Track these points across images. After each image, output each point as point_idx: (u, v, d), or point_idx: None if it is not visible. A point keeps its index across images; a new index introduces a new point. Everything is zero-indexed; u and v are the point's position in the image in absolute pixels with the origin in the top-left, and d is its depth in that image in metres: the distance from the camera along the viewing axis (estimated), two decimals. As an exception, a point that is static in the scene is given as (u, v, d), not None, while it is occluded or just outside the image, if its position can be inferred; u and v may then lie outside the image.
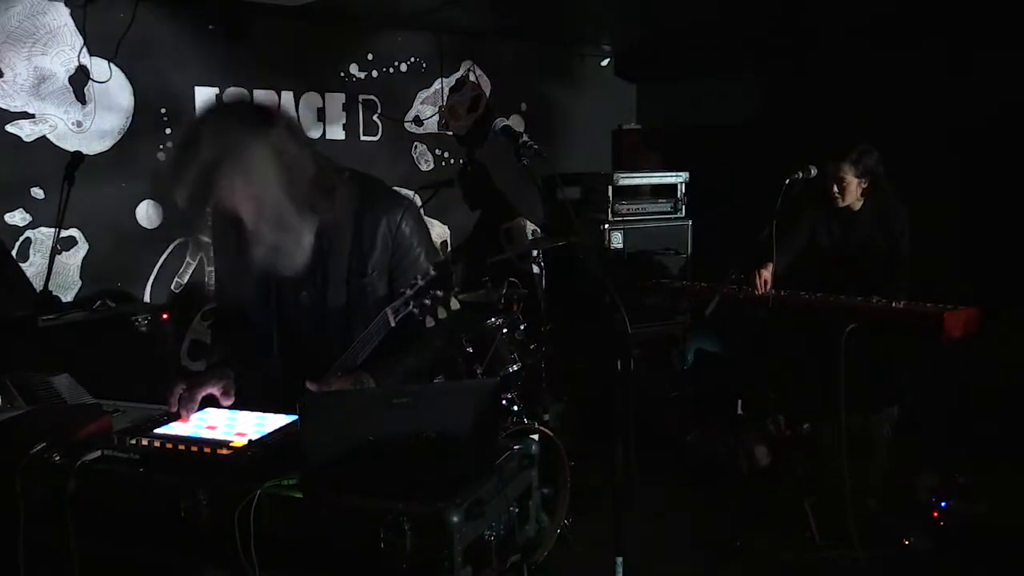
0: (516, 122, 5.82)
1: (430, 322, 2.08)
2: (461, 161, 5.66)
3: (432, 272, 2.07)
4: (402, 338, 2.23)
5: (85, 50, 4.04)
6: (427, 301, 2.06)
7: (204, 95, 4.43)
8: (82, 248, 4.11)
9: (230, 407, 2.24)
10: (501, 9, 4.95)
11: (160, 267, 4.36)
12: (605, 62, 6.37)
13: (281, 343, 2.41)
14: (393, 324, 2.15)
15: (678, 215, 5.76)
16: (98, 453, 1.96)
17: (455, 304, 2.07)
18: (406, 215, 2.37)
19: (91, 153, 4.05)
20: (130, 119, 4.21)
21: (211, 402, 2.23)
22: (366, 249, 2.33)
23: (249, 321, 2.41)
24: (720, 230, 5.41)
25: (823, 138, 4.14)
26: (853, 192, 3.99)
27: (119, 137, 4.19)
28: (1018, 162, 4.46)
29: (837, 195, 3.99)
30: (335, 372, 2.25)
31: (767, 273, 3.92)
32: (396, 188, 5.24)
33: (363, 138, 5.15)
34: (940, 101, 4.69)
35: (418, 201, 5.27)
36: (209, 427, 2.09)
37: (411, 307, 2.09)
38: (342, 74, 5.01)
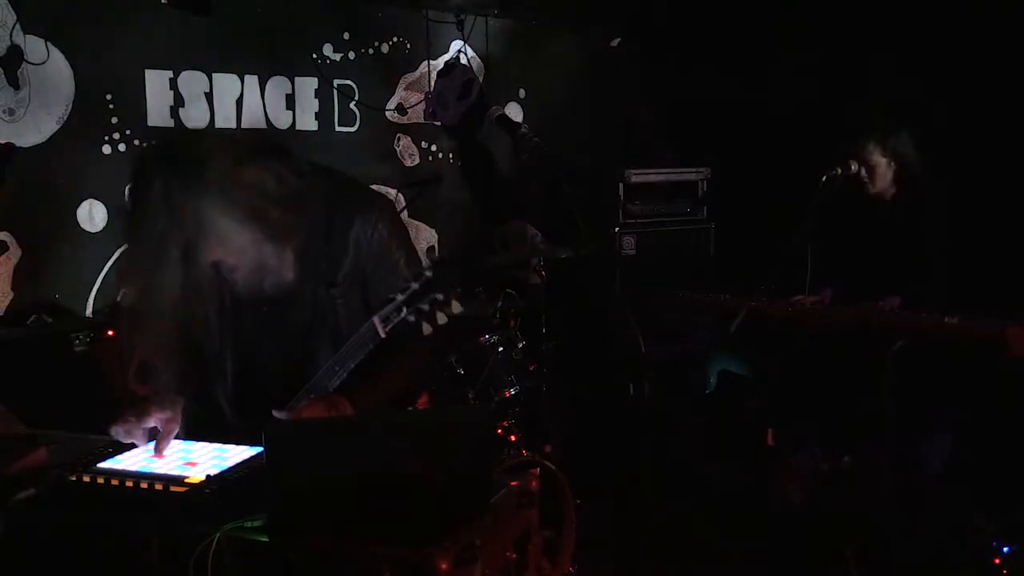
0: (513, 111, 5.83)
1: (427, 329, 2.08)
2: (451, 156, 5.67)
3: (428, 273, 2.07)
4: (382, 354, 2.23)
5: (19, 27, 4.04)
6: (425, 306, 2.06)
7: (156, 80, 4.44)
8: (14, 254, 4.10)
9: (178, 437, 2.23)
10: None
11: (104, 276, 4.35)
12: (615, 42, 6.39)
13: (236, 366, 2.41)
14: (383, 335, 2.15)
15: (699, 217, 5.77)
16: (31, 491, 1.95)
17: (458, 307, 2.07)
18: (381, 216, 2.38)
19: (25, 145, 4.05)
20: (70, 107, 4.21)
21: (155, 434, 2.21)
22: (336, 255, 2.33)
23: (200, 342, 2.41)
24: (747, 234, 5.42)
25: (867, 127, 4.14)
26: (883, 177, 4.00)
27: (58, 127, 4.18)
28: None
29: (866, 180, 4.01)
30: (306, 396, 2.25)
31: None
32: (376, 187, 5.29)
33: (338, 129, 5.16)
34: (1001, 83, 4.69)
35: (401, 201, 5.27)
36: (161, 460, 2.08)
37: (404, 314, 2.08)
38: (315, 56, 5.02)
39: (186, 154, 2.15)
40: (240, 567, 1.75)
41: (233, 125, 4.73)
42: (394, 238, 2.39)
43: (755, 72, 5.65)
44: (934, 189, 4.03)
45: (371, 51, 5.27)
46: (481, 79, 5.75)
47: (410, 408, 2.61)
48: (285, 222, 2.20)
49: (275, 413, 2.18)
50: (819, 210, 3.88)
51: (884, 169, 3.99)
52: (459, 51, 5.64)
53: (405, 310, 2.09)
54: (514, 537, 1.97)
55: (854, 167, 4.00)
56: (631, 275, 5.44)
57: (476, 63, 5.73)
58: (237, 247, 2.16)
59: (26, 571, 1.91)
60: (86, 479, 1.94)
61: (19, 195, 4.00)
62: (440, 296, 2.06)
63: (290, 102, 4.96)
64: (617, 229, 5.54)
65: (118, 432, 2.18)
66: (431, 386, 2.71)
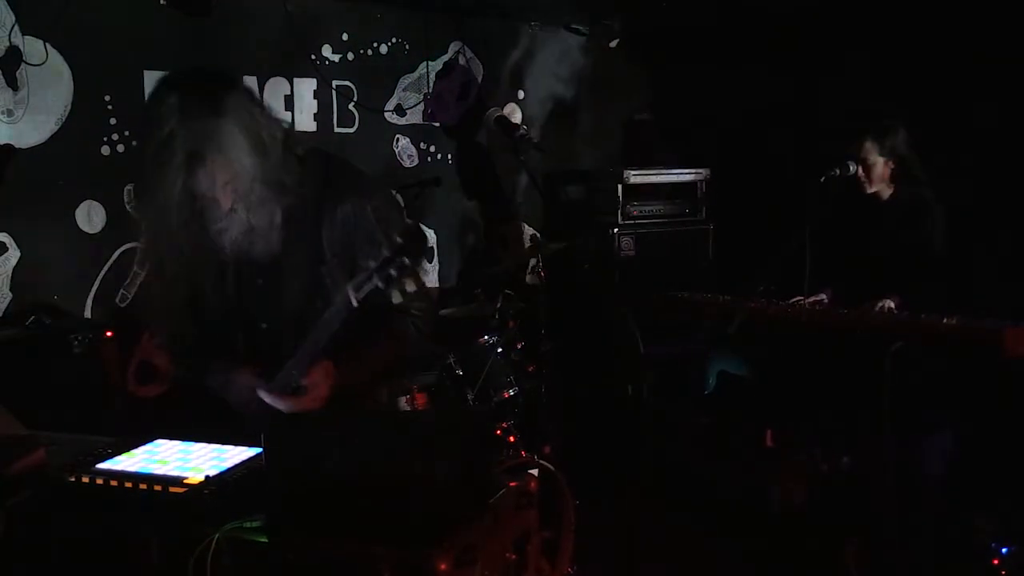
0: (512, 112, 5.83)
1: (397, 297, 2.11)
2: (449, 157, 5.67)
3: (399, 240, 2.09)
4: (369, 326, 2.29)
5: (17, 28, 4.04)
6: (393, 271, 2.08)
7: (155, 80, 4.43)
8: (13, 255, 4.10)
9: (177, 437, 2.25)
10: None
11: (103, 278, 4.35)
12: (614, 43, 6.39)
13: (243, 339, 2.48)
14: (355, 303, 2.17)
15: (698, 218, 5.77)
16: (30, 492, 1.95)
17: (428, 268, 2.12)
18: (374, 198, 2.44)
19: (23, 146, 4.05)
20: (69, 107, 4.21)
21: (162, 433, 2.23)
22: (326, 233, 2.39)
23: (202, 320, 2.46)
24: (746, 235, 5.42)
25: (864, 127, 4.15)
26: (880, 175, 4.00)
27: (56, 128, 4.18)
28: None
29: (863, 179, 4.02)
30: (291, 369, 2.29)
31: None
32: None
33: (337, 130, 5.15)
34: (1003, 85, 4.69)
35: (400, 202, 5.27)
36: (160, 461, 2.09)
37: (375, 281, 2.11)
38: (313, 56, 5.02)
39: (209, 77, 2.29)
40: (239, 567, 1.75)
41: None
42: (384, 221, 2.43)
43: (754, 74, 5.66)
44: (931, 188, 4.03)
45: (370, 52, 5.27)
46: (480, 80, 5.75)
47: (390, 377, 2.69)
48: (282, 177, 2.28)
49: (260, 393, 2.26)
50: (818, 210, 3.89)
51: (881, 168, 4.00)
52: (458, 52, 5.64)
53: (375, 277, 2.12)
54: (513, 538, 1.97)
55: (853, 167, 4.00)
56: (630, 276, 5.44)
57: (475, 64, 5.73)
58: (237, 172, 2.22)
59: (26, 571, 1.91)
60: (85, 480, 1.94)
61: (18, 196, 3.99)
62: (407, 261, 2.08)
63: (289, 103, 4.95)
64: (616, 230, 5.54)
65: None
66: (413, 354, 2.78)
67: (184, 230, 2.25)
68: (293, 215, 2.35)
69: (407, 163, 5.49)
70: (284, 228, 2.34)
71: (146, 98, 2.36)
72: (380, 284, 2.11)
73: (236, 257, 2.36)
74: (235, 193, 2.24)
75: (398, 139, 5.45)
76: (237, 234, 2.30)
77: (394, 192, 5.25)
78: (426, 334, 2.51)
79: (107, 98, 4.30)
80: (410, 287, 2.10)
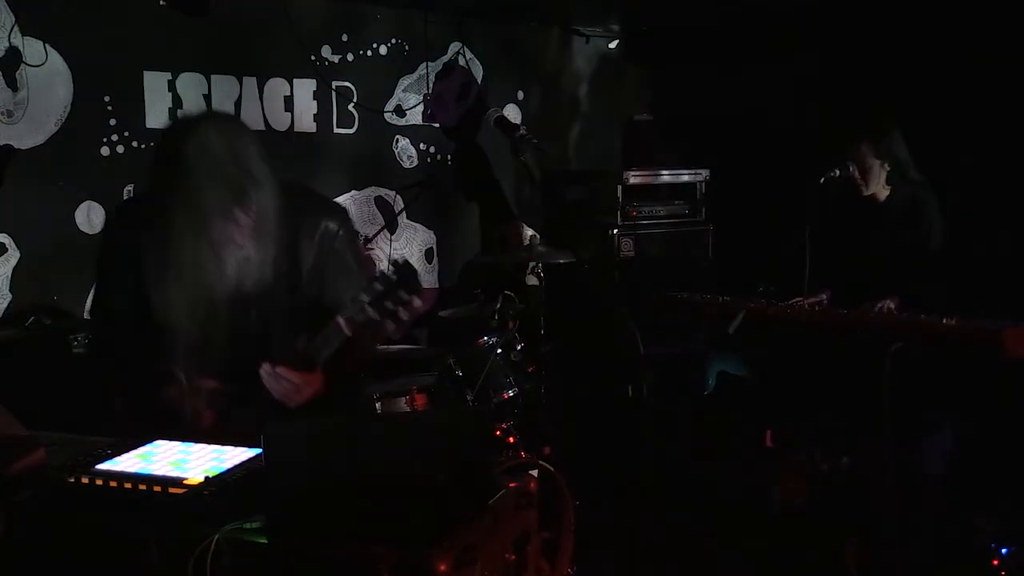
0: (512, 113, 5.83)
1: (391, 327, 2.15)
2: (449, 157, 5.67)
3: (392, 276, 2.13)
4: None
5: (17, 29, 4.04)
6: (389, 304, 2.11)
7: (154, 81, 4.44)
8: (12, 256, 4.10)
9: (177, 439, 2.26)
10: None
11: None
12: (613, 44, 6.39)
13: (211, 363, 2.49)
14: (349, 334, 2.26)
15: (698, 218, 5.77)
16: (30, 492, 1.94)
17: (418, 302, 2.19)
18: (344, 224, 2.55)
19: (23, 147, 4.05)
20: (69, 108, 4.21)
21: (162, 433, 2.23)
22: (302, 256, 2.45)
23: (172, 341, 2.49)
24: (746, 235, 5.42)
25: (861, 129, 4.16)
26: (876, 177, 4.01)
27: (56, 129, 4.18)
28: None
29: (860, 182, 4.02)
30: (317, 344, 2.37)
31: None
32: (374, 189, 5.31)
33: (337, 131, 5.16)
34: (1003, 85, 4.70)
35: (400, 203, 5.28)
36: (160, 462, 2.08)
37: (370, 313, 2.17)
38: (313, 57, 5.02)
39: (224, 118, 2.51)
40: (239, 568, 1.75)
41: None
42: (352, 246, 2.55)
43: (754, 74, 5.66)
44: (928, 189, 4.04)
45: (370, 53, 5.27)
46: (479, 81, 5.75)
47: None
48: (284, 202, 2.38)
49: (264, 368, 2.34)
50: (817, 211, 3.89)
51: (877, 170, 4.01)
52: (457, 53, 5.64)
53: (370, 309, 2.18)
54: (513, 538, 1.97)
55: (852, 168, 4.01)
56: (630, 276, 5.44)
57: (475, 65, 5.73)
58: (264, 204, 2.32)
59: (26, 571, 1.91)
60: (85, 480, 1.94)
61: (17, 197, 3.99)
62: (404, 295, 2.15)
63: (288, 104, 4.95)
64: (615, 231, 5.54)
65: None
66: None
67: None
68: (279, 244, 2.41)
69: (407, 164, 5.49)
70: (274, 258, 2.41)
71: (162, 147, 2.40)
72: (376, 317, 2.17)
73: (226, 294, 2.40)
74: (249, 228, 2.33)
75: (398, 140, 5.45)
76: (233, 270, 2.36)
77: (395, 193, 5.27)
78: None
79: (107, 98, 4.30)
80: (405, 316, 2.17)
